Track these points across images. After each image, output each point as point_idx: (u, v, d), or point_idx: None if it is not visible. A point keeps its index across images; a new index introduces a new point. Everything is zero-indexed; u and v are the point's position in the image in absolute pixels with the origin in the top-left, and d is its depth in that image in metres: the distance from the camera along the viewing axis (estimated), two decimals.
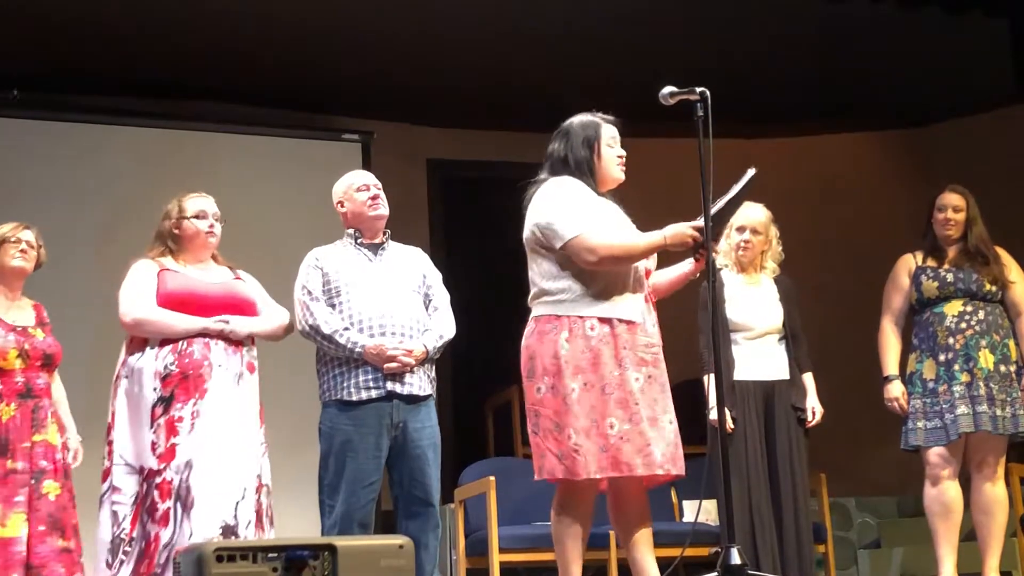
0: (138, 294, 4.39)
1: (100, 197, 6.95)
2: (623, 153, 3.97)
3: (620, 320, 3.77)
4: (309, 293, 4.50)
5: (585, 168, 3.92)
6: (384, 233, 4.65)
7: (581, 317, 3.77)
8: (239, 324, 4.41)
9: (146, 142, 7.18)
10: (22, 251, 4.67)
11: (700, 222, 3.74)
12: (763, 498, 4.87)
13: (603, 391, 3.72)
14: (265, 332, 4.52)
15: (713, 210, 3.75)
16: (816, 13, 7.00)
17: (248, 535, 4.19)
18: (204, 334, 4.34)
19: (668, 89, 3.86)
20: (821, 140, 8.47)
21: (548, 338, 3.79)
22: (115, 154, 7.10)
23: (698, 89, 3.80)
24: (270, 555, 2.98)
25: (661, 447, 3.73)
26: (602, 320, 3.76)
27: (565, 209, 3.81)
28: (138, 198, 6.56)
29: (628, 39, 7.17)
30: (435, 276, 4.67)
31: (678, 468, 3.77)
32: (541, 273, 3.87)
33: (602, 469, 3.70)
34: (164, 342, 4.32)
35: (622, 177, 3.97)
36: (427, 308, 4.59)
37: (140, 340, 4.38)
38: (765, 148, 8.32)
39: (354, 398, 4.39)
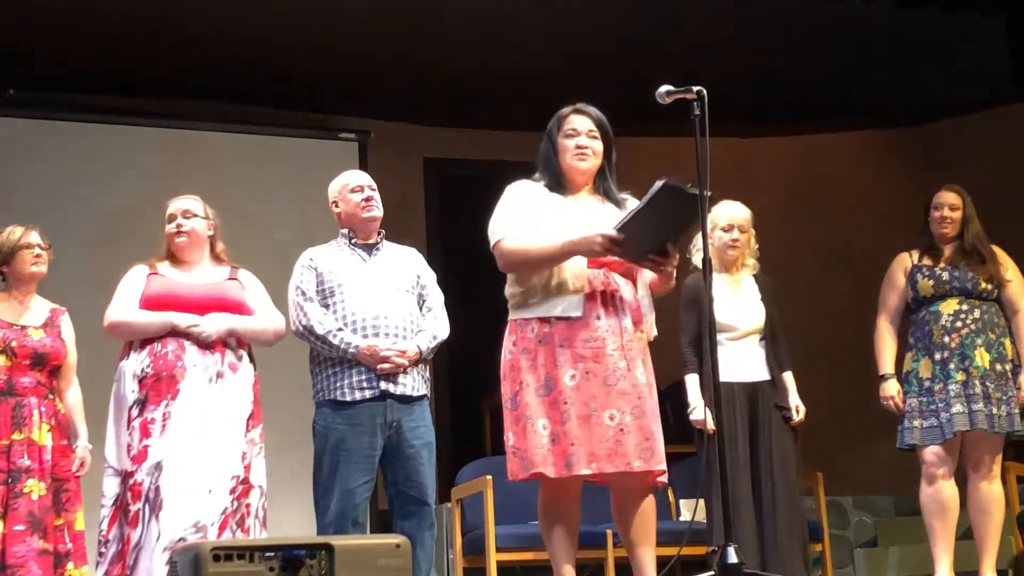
0: (121, 299, 4.43)
1: (97, 196, 6.95)
2: (585, 143, 3.87)
3: (558, 318, 3.73)
4: (303, 294, 4.50)
5: (548, 163, 3.91)
6: (378, 233, 4.65)
7: (525, 320, 3.80)
8: (211, 324, 4.36)
9: (143, 141, 7.18)
10: (37, 256, 4.68)
11: (613, 231, 3.61)
12: (746, 500, 4.84)
13: (537, 393, 3.72)
14: (248, 330, 4.47)
15: (622, 221, 3.63)
16: (814, 12, 7.00)
17: (212, 536, 4.14)
18: (175, 332, 4.32)
19: (665, 88, 3.83)
20: (818, 139, 8.47)
21: (504, 345, 3.85)
22: (112, 153, 7.09)
23: (695, 88, 3.77)
24: (267, 554, 2.97)
25: (591, 445, 3.65)
26: (541, 321, 3.76)
27: (499, 216, 3.84)
28: (136, 197, 6.56)
29: (625, 38, 7.17)
30: (429, 276, 4.67)
31: (617, 465, 3.65)
32: (506, 280, 3.91)
33: (533, 470, 3.69)
34: (143, 345, 4.33)
35: (581, 167, 3.88)
36: (421, 309, 4.59)
37: (128, 344, 4.39)
38: (762, 147, 8.33)
39: (348, 398, 4.39)
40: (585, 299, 3.74)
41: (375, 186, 4.67)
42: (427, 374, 4.54)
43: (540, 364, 3.73)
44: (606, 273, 3.80)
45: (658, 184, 3.60)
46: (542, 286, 3.76)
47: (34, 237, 4.69)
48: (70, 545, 4.50)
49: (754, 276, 5.12)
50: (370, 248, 4.60)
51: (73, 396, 4.72)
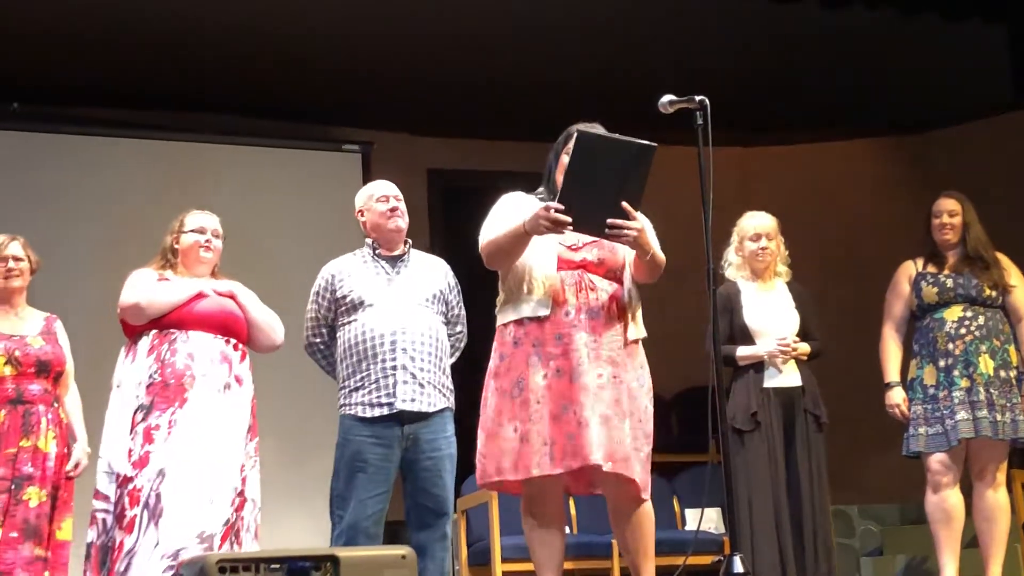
0: (139, 283, 4.39)
1: (101, 209, 6.97)
2: None
3: (529, 319, 3.73)
4: (315, 320, 4.56)
5: (547, 177, 3.90)
6: (405, 243, 4.65)
7: (504, 325, 3.81)
8: (240, 291, 4.44)
9: (147, 154, 7.20)
10: (9, 269, 4.69)
11: (555, 203, 3.55)
12: (775, 505, 4.83)
13: (510, 395, 3.72)
14: (260, 319, 4.49)
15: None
16: (815, 20, 7.02)
17: (215, 547, 4.12)
18: (181, 338, 4.32)
19: (667, 97, 3.84)
20: (820, 148, 8.48)
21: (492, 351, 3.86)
22: (116, 167, 7.12)
23: (697, 97, 3.78)
24: (272, 566, 2.97)
25: (561, 443, 3.62)
26: (517, 324, 3.76)
27: (486, 223, 3.84)
28: (139, 210, 6.58)
29: (627, 49, 7.19)
30: (455, 293, 4.68)
31: (580, 460, 3.58)
32: None
33: (502, 471, 3.69)
34: (150, 351, 4.30)
35: None
36: (447, 323, 4.59)
37: (131, 348, 4.37)
38: (764, 156, 8.34)
39: (366, 415, 4.40)
40: (555, 298, 3.72)
41: (401, 196, 4.67)
42: (449, 384, 4.52)
43: (513, 366, 3.73)
44: (581, 274, 3.76)
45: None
46: (516, 289, 3.77)
47: (12, 249, 4.71)
48: (49, 554, 4.49)
49: (787, 284, 5.13)
50: (395, 260, 4.59)
51: (72, 401, 4.75)
